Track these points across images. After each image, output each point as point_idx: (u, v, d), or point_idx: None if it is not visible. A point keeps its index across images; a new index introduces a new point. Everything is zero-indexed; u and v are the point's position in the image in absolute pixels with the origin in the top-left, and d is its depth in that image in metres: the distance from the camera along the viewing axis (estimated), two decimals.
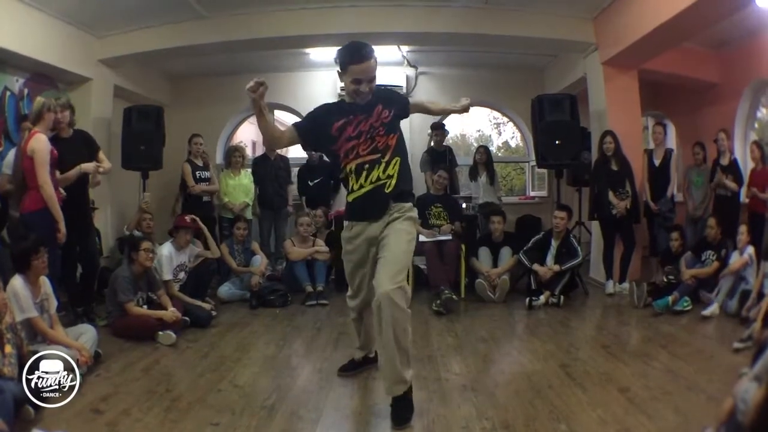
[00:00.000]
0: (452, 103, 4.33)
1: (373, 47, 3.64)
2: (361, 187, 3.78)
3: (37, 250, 4.48)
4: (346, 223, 4.01)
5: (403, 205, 3.84)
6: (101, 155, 6.06)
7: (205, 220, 7.79)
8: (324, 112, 3.89)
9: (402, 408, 3.57)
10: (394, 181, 3.77)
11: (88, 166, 5.78)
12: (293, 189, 9.24)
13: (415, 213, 3.93)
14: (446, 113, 4.53)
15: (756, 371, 2.44)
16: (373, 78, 3.68)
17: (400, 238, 3.74)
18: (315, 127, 3.86)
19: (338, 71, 3.72)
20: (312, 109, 3.94)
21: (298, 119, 4.01)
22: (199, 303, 6.39)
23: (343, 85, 3.77)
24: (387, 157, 3.77)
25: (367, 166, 3.75)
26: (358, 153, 3.75)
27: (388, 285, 3.53)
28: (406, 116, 4.04)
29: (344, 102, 3.90)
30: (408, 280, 6.89)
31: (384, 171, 3.76)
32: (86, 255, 6.10)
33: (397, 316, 3.50)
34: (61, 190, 5.33)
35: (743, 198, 7.69)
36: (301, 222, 7.70)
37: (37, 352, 3.88)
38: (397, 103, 3.95)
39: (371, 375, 4.44)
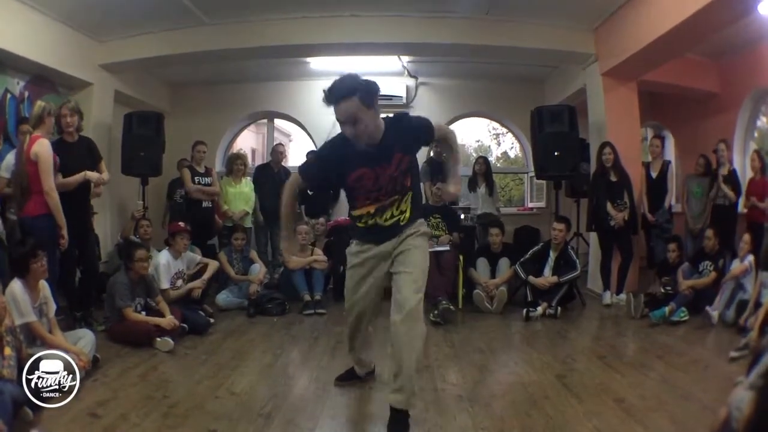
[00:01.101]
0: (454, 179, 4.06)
1: (360, 82, 3.34)
2: (377, 223, 3.73)
3: (35, 254, 4.49)
4: (354, 241, 3.94)
5: (416, 220, 3.81)
6: (102, 166, 6.08)
7: (205, 225, 7.81)
8: (336, 157, 3.64)
9: (402, 421, 3.51)
10: (407, 214, 3.73)
11: (92, 175, 5.81)
12: None
13: (426, 227, 3.88)
14: (451, 159, 4.29)
15: (751, 380, 2.45)
16: (355, 119, 3.35)
17: (419, 254, 3.70)
18: (326, 176, 3.81)
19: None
20: (320, 153, 3.82)
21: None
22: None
23: None
24: (403, 194, 3.71)
25: (386, 207, 3.69)
26: (379, 199, 3.67)
27: (414, 299, 3.50)
28: (427, 144, 3.91)
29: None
30: None
31: (398, 207, 3.71)
32: (85, 260, 6.10)
33: (421, 330, 3.51)
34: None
35: (741, 208, 7.70)
36: (299, 231, 7.68)
37: (32, 355, 3.90)
38: (418, 139, 3.78)
39: (368, 384, 4.45)
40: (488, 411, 3.89)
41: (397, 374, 3.48)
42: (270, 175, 8.90)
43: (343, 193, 3.89)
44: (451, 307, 6.68)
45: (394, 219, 3.70)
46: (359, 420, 3.81)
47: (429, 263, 3.78)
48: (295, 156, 16.41)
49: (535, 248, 7.42)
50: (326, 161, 3.75)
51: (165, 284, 6.36)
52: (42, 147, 5.08)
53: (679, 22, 6.10)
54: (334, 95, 3.33)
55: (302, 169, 3.88)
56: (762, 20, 6.68)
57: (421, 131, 3.77)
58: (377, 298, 3.97)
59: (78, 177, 5.69)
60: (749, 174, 7.77)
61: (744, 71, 8.54)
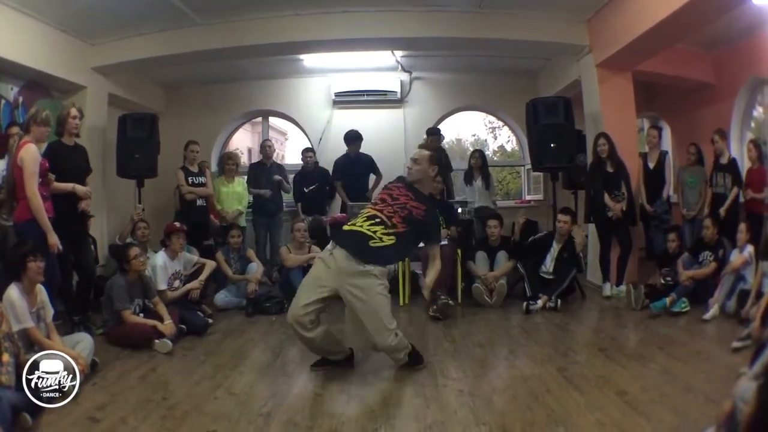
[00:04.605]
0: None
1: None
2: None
3: (34, 253, 4.48)
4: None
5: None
6: (87, 180, 6.09)
7: (200, 225, 7.77)
8: None
9: None
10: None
11: (80, 189, 5.80)
12: (288, 188, 9.24)
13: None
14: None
15: (755, 371, 2.43)
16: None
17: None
18: None
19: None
20: None
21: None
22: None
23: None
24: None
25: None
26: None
27: None
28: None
29: None
30: (404, 285, 6.90)
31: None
32: (82, 264, 6.07)
33: None
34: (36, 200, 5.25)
35: (741, 197, 7.65)
36: (297, 228, 7.66)
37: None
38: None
39: (367, 381, 4.47)
40: (489, 405, 3.88)
41: None
42: (263, 170, 8.91)
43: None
44: (450, 301, 6.66)
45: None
46: (359, 418, 3.78)
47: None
48: (292, 154, 16.39)
49: (536, 236, 7.41)
50: None
51: (162, 285, 6.33)
52: (27, 153, 5.04)
53: (672, 12, 6.08)
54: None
55: None
56: (754, 10, 6.65)
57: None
58: None
59: (67, 187, 5.67)
60: (747, 164, 7.72)
61: (739, 61, 8.51)
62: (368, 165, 9.12)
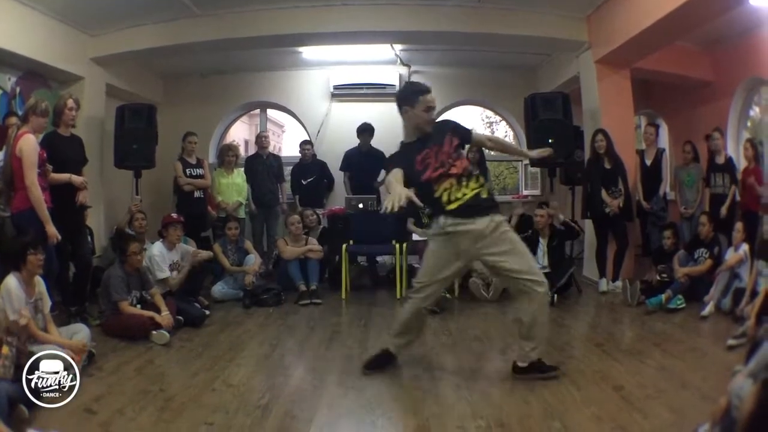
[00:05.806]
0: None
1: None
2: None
3: (35, 245, 4.47)
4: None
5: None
6: (83, 171, 6.08)
7: (197, 217, 7.77)
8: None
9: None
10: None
11: (76, 179, 5.78)
12: (286, 187, 9.24)
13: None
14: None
15: (750, 368, 2.45)
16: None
17: None
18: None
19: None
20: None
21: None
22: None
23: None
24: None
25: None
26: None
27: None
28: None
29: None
30: (402, 279, 6.90)
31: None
32: (78, 254, 6.06)
33: None
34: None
35: (737, 196, 7.66)
36: (291, 221, 7.66)
37: (33, 353, 3.88)
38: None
39: (364, 373, 4.46)
40: (486, 399, 3.90)
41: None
42: (260, 162, 8.91)
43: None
44: (448, 295, 6.69)
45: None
46: (357, 409, 3.80)
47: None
48: (289, 147, 16.36)
49: (524, 235, 7.41)
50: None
51: (162, 274, 6.37)
52: (26, 143, 5.03)
53: (671, 10, 6.07)
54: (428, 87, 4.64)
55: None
56: (754, 10, 6.65)
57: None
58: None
59: (63, 177, 5.66)
60: (743, 163, 7.72)
61: (738, 60, 8.49)
62: (380, 162, 8.92)
